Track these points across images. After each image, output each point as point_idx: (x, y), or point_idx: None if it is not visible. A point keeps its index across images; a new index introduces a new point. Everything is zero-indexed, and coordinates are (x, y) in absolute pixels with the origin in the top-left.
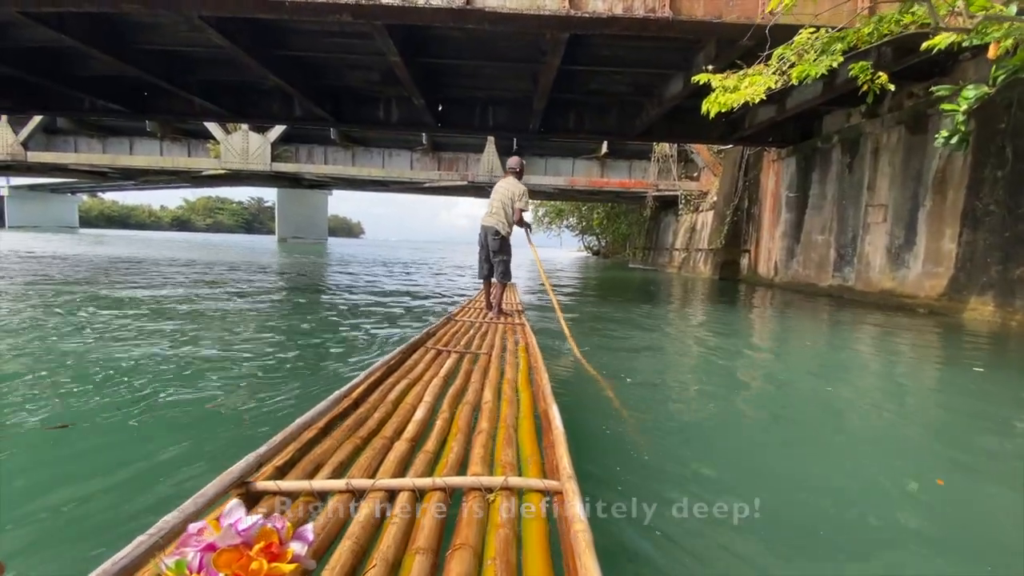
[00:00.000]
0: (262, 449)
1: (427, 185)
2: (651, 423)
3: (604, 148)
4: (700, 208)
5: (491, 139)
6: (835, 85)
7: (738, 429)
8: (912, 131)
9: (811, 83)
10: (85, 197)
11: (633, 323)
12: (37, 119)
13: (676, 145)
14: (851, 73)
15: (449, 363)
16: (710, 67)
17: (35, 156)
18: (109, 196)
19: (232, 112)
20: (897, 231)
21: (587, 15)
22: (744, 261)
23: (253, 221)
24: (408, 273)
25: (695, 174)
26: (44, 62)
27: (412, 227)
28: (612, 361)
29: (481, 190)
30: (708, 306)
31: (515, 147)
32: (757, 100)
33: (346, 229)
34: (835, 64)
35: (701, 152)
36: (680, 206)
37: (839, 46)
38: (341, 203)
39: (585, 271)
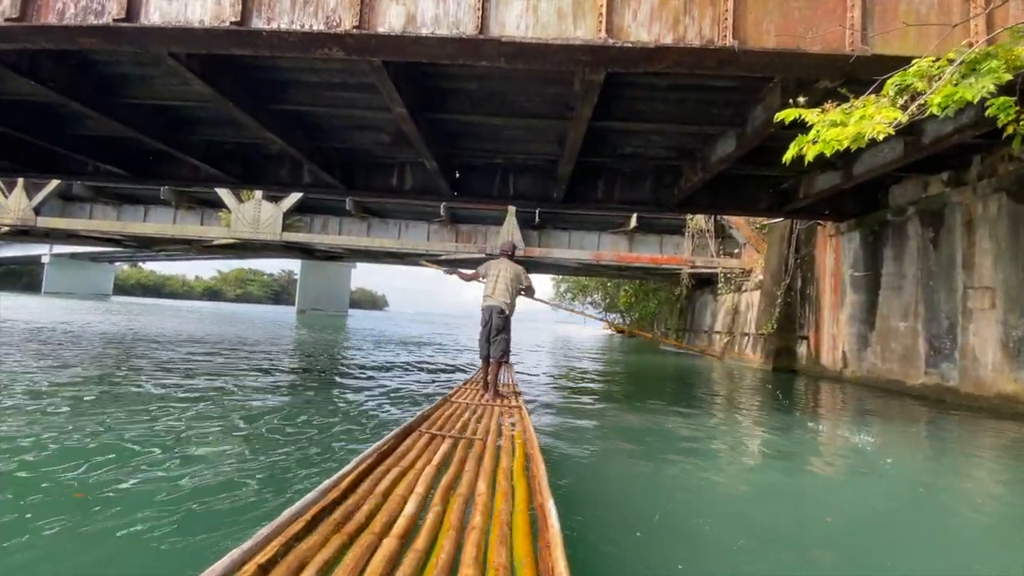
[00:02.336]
0: (246, 544)
1: (443, 258)
2: None
3: (633, 222)
4: (743, 287)
5: (511, 211)
6: (922, 144)
7: None
8: (1018, 199)
9: (950, 115)
10: (126, 267)
11: (670, 435)
12: (53, 185)
13: (712, 220)
14: (989, 112)
15: (443, 449)
16: (801, 99)
17: (45, 221)
18: (149, 266)
19: (238, 179)
20: (1013, 320)
21: (628, 45)
22: (802, 349)
23: (282, 292)
24: (411, 352)
25: (735, 251)
26: (34, 119)
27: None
28: (636, 496)
29: None
30: (768, 409)
31: (537, 220)
32: (881, 137)
33: (370, 302)
34: (995, 86)
35: (740, 227)
36: (719, 284)
37: (993, 63)
38: (368, 276)
39: (611, 353)
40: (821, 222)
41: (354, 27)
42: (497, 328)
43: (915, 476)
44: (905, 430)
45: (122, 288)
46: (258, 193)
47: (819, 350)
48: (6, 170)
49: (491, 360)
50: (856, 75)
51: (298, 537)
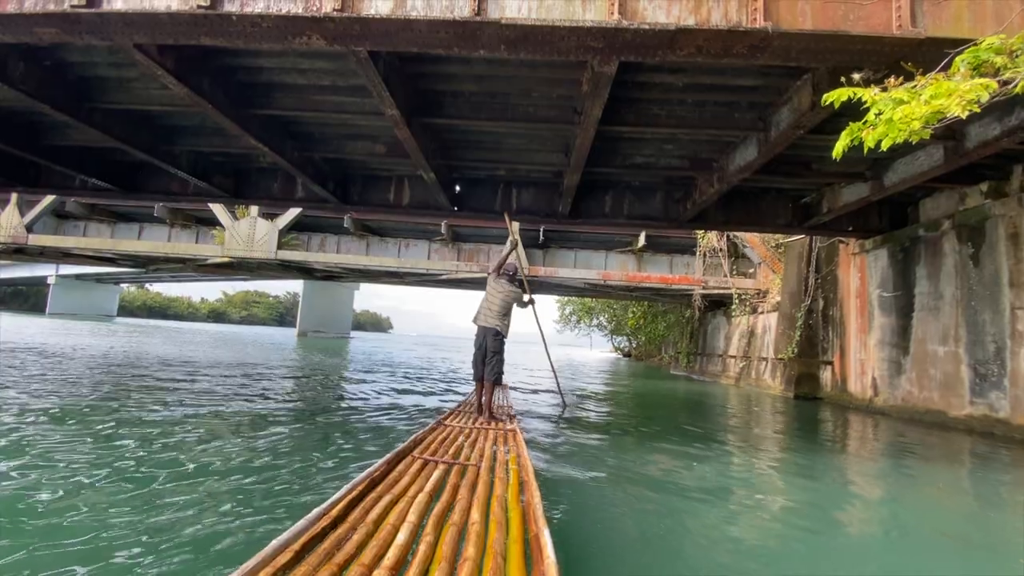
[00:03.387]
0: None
1: (444, 277)
2: None
3: (641, 240)
4: (759, 309)
5: (515, 228)
6: (965, 150)
7: None
8: None
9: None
10: (133, 288)
11: (680, 468)
12: (46, 202)
13: (725, 238)
14: None
15: (436, 476)
16: (857, 76)
17: (36, 239)
18: (155, 287)
19: (229, 193)
20: None
21: (646, 27)
22: (826, 375)
23: (286, 314)
24: (407, 374)
25: (750, 271)
26: (11, 128)
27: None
28: (637, 535)
29: None
30: (791, 442)
31: (541, 238)
32: (965, 114)
33: (374, 324)
34: None
35: (755, 246)
36: (733, 306)
37: None
38: (374, 299)
39: (617, 377)
40: (843, 239)
41: (336, 10)
42: (492, 350)
43: (976, 536)
44: (953, 472)
45: (127, 309)
46: (254, 211)
47: (845, 376)
48: None
49: (485, 381)
50: (906, 60)
51: (286, 568)
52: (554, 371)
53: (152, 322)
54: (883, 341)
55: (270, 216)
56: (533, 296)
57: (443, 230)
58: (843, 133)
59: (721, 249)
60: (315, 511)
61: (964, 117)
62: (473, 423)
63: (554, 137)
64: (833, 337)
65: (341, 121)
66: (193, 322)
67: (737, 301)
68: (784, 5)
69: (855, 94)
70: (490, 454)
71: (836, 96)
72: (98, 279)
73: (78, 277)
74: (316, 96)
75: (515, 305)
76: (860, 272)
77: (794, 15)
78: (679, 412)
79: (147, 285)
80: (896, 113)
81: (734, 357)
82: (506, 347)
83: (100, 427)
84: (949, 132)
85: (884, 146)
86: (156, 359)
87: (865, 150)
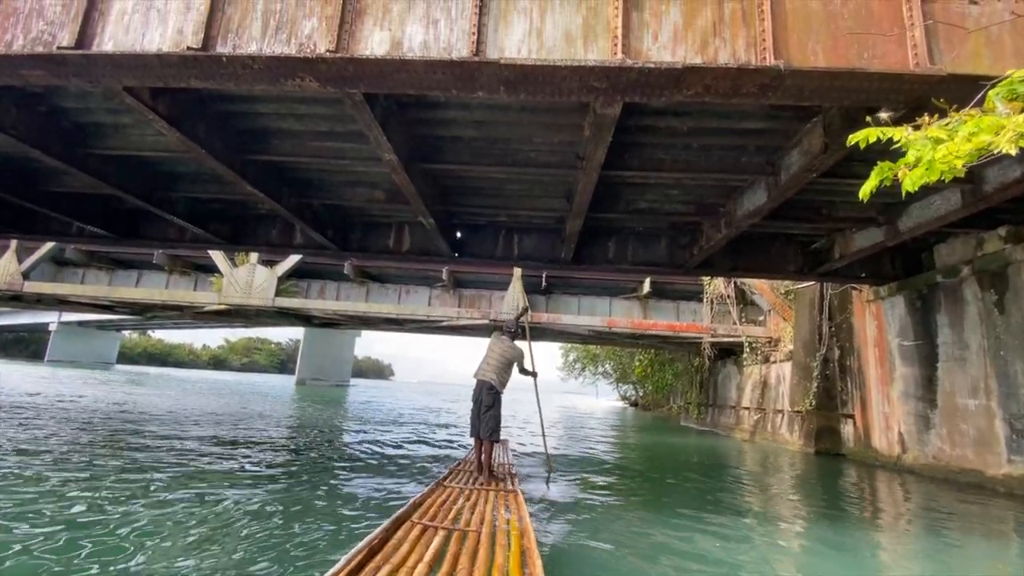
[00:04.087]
0: None
1: (445, 324)
2: None
3: (646, 287)
4: (771, 358)
5: (517, 275)
6: (984, 193)
7: None
8: None
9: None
10: (135, 335)
11: (693, 540)
12: (45, 249)
13: (732, 284)
14: None
15: (436, 543)
16: (884, 115)
17: (32, 286)
18: (157, 334)
19: (226, 240)
20: None
21: (651, 66)
22: (847, 429)
23: (287, 361)
24: (403, 427)
25: (759, 318)
26: (7, 174)
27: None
28: None
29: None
30: (817, 508)
31: (544, 284)
32: (1014, 150)
33: (376, 371)
34: None
35: (764, 292)
36: (744, 355)
37: None
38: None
39: (624, 432)
40: (856, 286)
41: (329, 51)
42: (486, 405)
43: None
44: (1002, 546)
45: (128, 356)
46: (253, 257)
47: (869, 431)
48: None
49: (482, 439)
50: (926, 97)
51: None
52: (543, 433)
53: (153, 369)
54: (907, 393)
55: (269, 263)
56: (536, 371)
57: (444, 276)
58: (873, 173)
59: (729, 296)
60: None
61: (1014, 154)
62: (473, 483)
63: (556, 183)
64: (852, 388)
65: (340, 168)
66: (194, 369)
67: (748, 350)
68: (794, 43)
69: (884, 134)
70: (491, 519)
71: (863, 136)
72: (100, 326)
73: (80, 324)
74: (314, 142)
75: (515, 366)
76: (877, 320)
77: (805, 53)
78: (691, 472)
79: (149, 332)
80: (937, 152)
81: (748, 409)
82: (503, 401)
83: (69, 491)
84: (967, 176)
85: (915, 187)
86: (142, 412)
87: (903, 193)
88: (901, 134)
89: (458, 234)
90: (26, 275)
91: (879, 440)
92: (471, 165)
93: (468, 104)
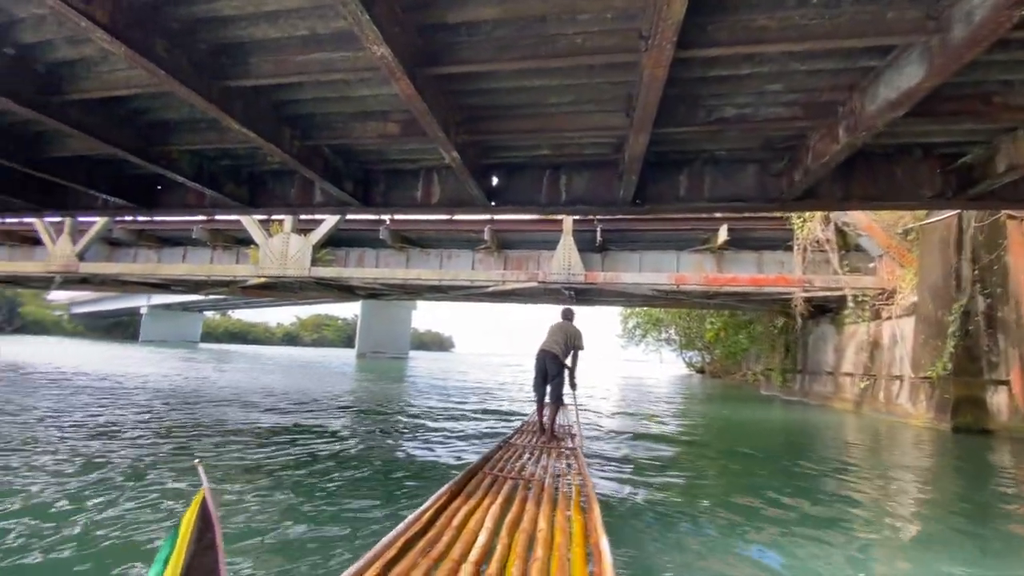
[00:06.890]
0: (351, 569)
1: (491, 289)
2: None
3: (723, 235)
4: (884, 314)
5: (567, 228)
6: None
7: None
8: None
9: None
10: (218, 316)
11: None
12: (95, 230)
13: (832, 226)
14: None
15: (506, 490)
16: None
17: (87, 267)
18: (236, 314)
19: (244, 202)
20: None
21: None
22: (997, 398)
23: (353, 336)
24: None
25: (869, 265)
26: (13, 140)
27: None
28: None
29: (558, 293)
30: (965, 512)
31: (599, 239)
32: None
33: (436, 343)
34: None
35: (874, 233)
36: (846, 311)
37: None
38: (435, 316)
39: (692, 402)
40: (1015, 213)
41: None
42: (552, 374)
43: None
44: None
45: (211, 335)
46: (287, 226)
47: None
48: (20, 210)
49: (547, 403)
50: None
51: (392, 561)
52: (576, 407)
53: (233, 347)
54: None
55: (304, 232)
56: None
57: (486, 236)
58: None
59: (828, 240)
60: (409, 517)
61: None
62: (536, 442)
63: (611, 87)
64: (1007, 347)
65: (338, 92)
66: (269, 345)
67: (852, 304)
68: None
69: None
70: (553, 471)
71: None
72: (183, 307)
73: (166, 307)
74: (297, 56)
75: (573, 345)
76: None
77: None
78: (780, 452)
79: (229, 312)
80: None
81: (850, 375)
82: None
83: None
84: None
85: None
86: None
87: None
88: None
89: (494, 180)
90: (81, 256)
91: None
92: (496, 63)
93: None
